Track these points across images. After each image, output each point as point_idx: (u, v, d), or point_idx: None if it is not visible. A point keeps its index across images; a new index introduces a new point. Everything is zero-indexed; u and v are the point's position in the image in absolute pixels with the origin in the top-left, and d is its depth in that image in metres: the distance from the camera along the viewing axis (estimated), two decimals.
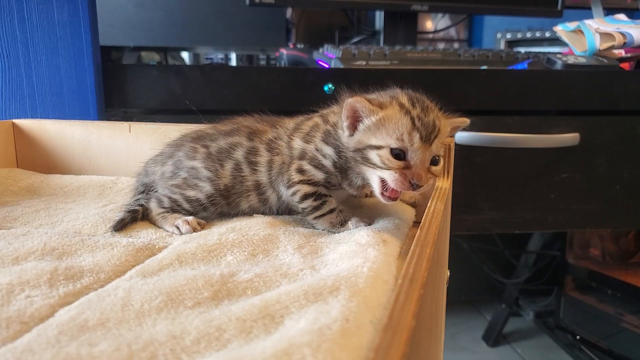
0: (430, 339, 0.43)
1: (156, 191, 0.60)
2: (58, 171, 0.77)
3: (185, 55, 1.59)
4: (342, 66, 1.03)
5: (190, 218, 0.55)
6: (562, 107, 1.01)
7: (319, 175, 0.54)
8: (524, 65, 1.06)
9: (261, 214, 0.59)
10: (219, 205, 0.58)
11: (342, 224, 0.54)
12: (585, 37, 1.12)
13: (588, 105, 1.01)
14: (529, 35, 1.61)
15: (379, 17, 1.50)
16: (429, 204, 0.49)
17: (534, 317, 1.83)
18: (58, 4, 0.88)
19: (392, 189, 0.49)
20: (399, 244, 0.49)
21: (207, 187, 0.57)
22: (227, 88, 0.93)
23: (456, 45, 2.03)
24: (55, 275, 0.40)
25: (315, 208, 0.54)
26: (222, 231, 0.52)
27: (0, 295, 0.37)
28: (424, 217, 0.45)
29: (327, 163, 0.54)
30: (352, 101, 0.49)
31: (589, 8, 1.35)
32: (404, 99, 0.50)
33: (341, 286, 0.37)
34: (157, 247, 0.49)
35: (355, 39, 1.58)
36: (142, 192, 0.61)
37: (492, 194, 1.01)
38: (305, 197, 0.54)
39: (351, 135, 0.51)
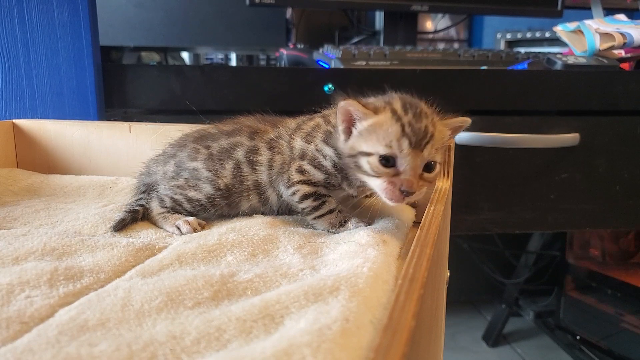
0: (430, 339, 0.43)
1: (157, 191, 0.60)
2: (58, 171, 0.77)
3: (185, 55, 1.59)
4: (342, 66, 1.03)
5: (191, 218, 0.55)
6: (562, 107, 1.01)
7: (318, 176, 0.54)
8: (524, 66, 1.06)
9: (261, 214, 0.59)
10: (219, 207, 0.58)
11: (342, 224, 0.54)
12: (585, 38, 1.12)
13: (588, 105, 1.01)
14: (529, 35, 1.61)
15: (379, 17, 1.50)
16: (429, 204, 0.49)
17: (534, 317, 1.82)
18: (58, 4, 0.88)
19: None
20: (399, 244, 0.49)
21: (206, 188, 0.57)
22: (227, 88, 0.93)
23: (456, 45, 2.03)
24: (55, 276, 0.40)
25: (315, 208, 0.54)
26: (222, 231, 0.52)
27: (0, 295, 0.37)
28: (424, 217, 0.45)
29: (327, 164, 0.54)
30: (345, 104, 0.49)
31: (589, 8, 1.35)
32: (398, 105, 0.49)
33: (341, 286, 0.37)
34: (157, 247, 0.49)
35: (355, 39, 1.58)
36: (144, 192, 0.61)
37: (492, 194, 1.01)
38: (304, 197, 0.54)
39: (347, 140, 0.51)
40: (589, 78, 0.99)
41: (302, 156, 0.55)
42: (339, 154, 0.53)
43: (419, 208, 0.61)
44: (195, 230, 0.54)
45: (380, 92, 0.54)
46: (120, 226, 0.54)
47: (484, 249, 1.86)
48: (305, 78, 0.95)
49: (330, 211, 0.54)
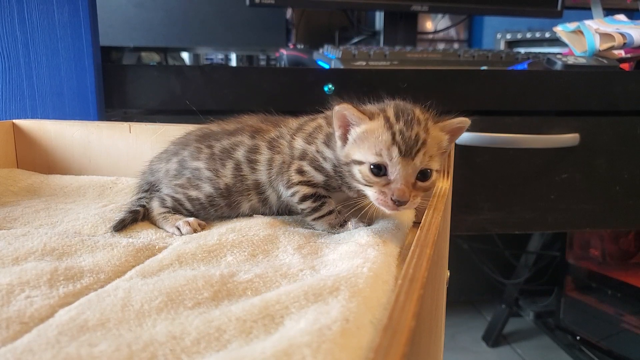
0: (430, 339, 0.43)
1: (159, 190, 0.60)
2: (58, 171, 0.77)
3: (185, 55, 1.59)
4: (342, 67, 1.03)
5: (191, 219, 0.55)
6: (562, 108, 1.01)
7: (318, 177, 0.54)
8: (524, 66, 1.06)
9: (261, 214, 0.59)
10: (219, 207, 0.58)
11: (342, 225, 0.54)
12: (585, 38, 1.12)
13: (588, 105, 1.01)
14: (528, 35, 1.61)
15: (379, 18, 1.50)
16: (429, 205, 0.49)
17: (534, 317, 1.83)
18: (58, 5, 0.88)
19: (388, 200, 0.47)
20: (398, 244, 0.49)
21: (207, 188, 0.57)
22: (227, 88, 0.93)
23: (456, 45, 2.03)
24: (55, 276, 0.40)
25: (315, 209, 0.54)
26: (222, 232, 0.52)
27: (0, 295, 0.37)
28: (423, 217, 0.45)
29: (327, 166, 0.54)
30: (340, 108, 0.48)
31: (589, 8, 1.35)
32: (391, 112, 0.48)
33: (341, 286, 0.37)
34: (157, 247, 0.49)
35: (355, 40, 1.58)
36: (146, 191, 0.61)
37: (492, 194, 1.01)
38: (304, 198, 0.54)
39: (343, 147, 0.51)
40: (589, 78, 0.99)
41: (303, 157, 0.54)
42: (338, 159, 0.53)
43: (419, 208, 0.60)
44: (195, 231, 0.54)
45: (379, 95, 0.53)
46: (121, 226, 0.54)
47: (484, 249, 1.86)
48: (305, 78, 0.95)
49: (330, 212, 0.54)
